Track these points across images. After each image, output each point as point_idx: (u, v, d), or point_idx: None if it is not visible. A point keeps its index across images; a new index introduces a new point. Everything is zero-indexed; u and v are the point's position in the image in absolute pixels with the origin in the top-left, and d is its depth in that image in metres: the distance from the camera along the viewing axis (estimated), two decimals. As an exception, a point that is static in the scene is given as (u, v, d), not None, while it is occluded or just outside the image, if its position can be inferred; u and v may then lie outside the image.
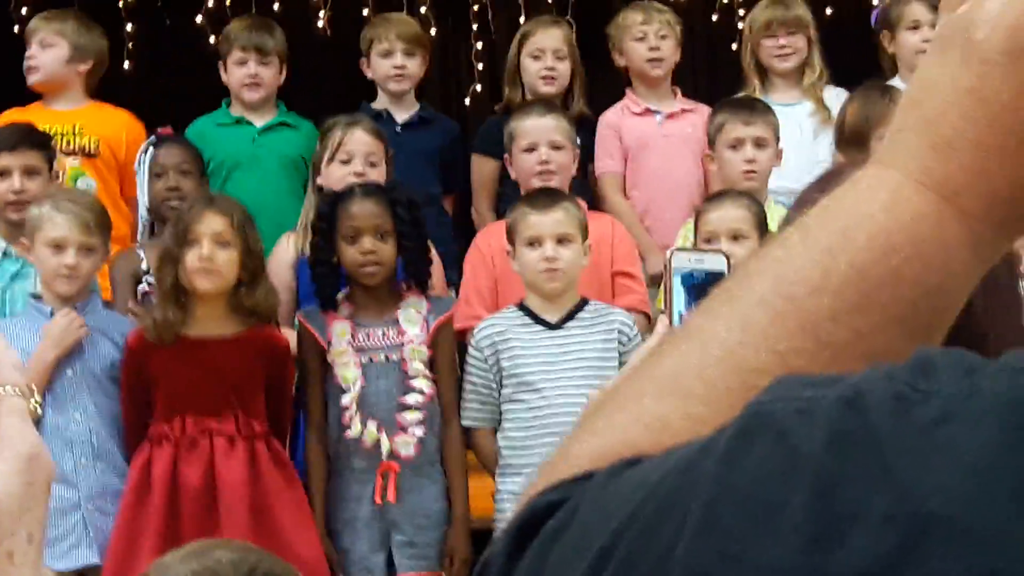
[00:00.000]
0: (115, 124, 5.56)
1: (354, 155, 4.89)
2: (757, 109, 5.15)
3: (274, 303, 4.50)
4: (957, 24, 0.81)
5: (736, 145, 4.97)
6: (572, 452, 0.81)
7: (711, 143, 5.10)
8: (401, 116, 5.58)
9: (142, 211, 5.15)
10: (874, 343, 0.78)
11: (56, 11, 5.71)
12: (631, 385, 0.83)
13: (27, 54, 5.49)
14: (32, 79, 5.51)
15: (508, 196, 5.23)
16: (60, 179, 5.20)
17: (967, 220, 0.79)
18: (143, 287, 4.86)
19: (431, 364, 4.51)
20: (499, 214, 5.26)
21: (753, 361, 0.78)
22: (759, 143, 4.97)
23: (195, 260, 4.32)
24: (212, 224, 4.36)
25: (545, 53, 5.54)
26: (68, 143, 5.41)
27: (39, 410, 0.90)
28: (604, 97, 5.95)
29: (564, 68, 5.55)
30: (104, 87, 5.72)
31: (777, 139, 5.04)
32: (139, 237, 5.19)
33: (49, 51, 5.49)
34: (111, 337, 4.50)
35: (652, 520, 0.69)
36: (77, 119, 5.49)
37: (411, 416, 4.44)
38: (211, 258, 4.32)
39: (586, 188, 5.35)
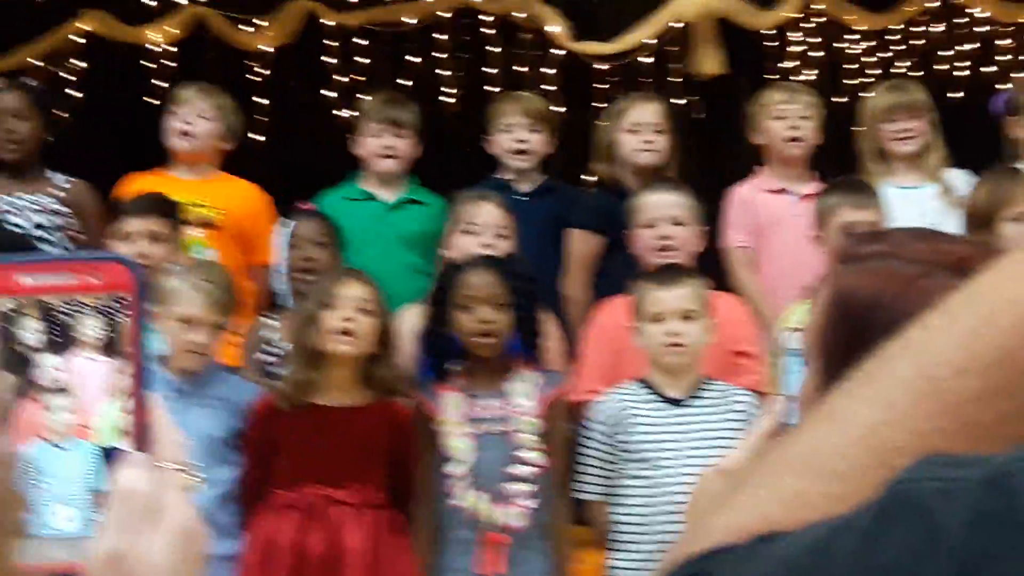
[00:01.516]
0: (241, 195, 5.65)
1: (483, 228, 4.93)
2: (867, 191, 5.09)
3: (401, 377, 4.54)
4: None
5: (847, 229, 4.90)
6: (710, 526, 0.81)
7: (820, 225, 5.01)
8: (525, 187, 5.61)
9: (279, 282, 5.20)
10: (1018, 426, 0.78)
11: (210, 87, 5.82)
12: (770, 462, 0.83)
13: (182, 120, 5.60)
14: (183, 145, 5.61)
15: (612, 271, 5.21)
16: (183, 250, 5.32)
17: None
18: (259, 355, 4.92)
19: (543, 437, 4.50)
20: (600, 290, 5.24)
21: (894, 441, 0.78)
22: (871, 227, 4.91)
23: (336, 322, 4.38)
24: (355, 291, 4.44)
25: (643, 127, 5.54)
26: (193, 214, 5.49)
27: (200, 487, 0.94)
28: (724, 177, 5.94)
29: (662, 141, 5.54)
30: (232, 159, 5.83)
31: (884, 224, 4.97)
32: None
33: (205, 124, 5.63)
34: (234, 405, 4.53)
35: (791, 596, 0.70)
36: (204, 190, 5.58)
37: (519, 488, 4.43)
38: (352, 321, 4.38)
39: (705, 263, 5.32)
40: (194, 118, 5.61)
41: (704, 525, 0.82)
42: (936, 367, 0.79)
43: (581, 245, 5.47)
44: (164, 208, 5.08)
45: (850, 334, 1.55)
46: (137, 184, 5.52)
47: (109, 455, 0.90)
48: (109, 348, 0.90)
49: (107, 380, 0.90)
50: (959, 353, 0.79)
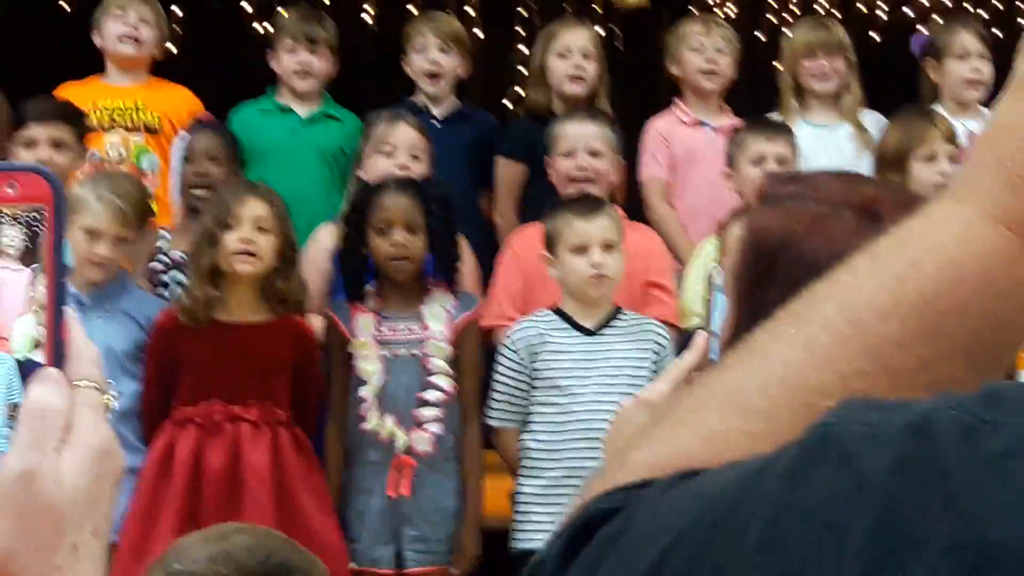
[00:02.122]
0: (176, 100, 5.59)
1: (397, 149, 4.90)
2: (779, 128, 5.14)
3: (304, 294, 4.51)
4: None
5: (758, 161, 4.94)
6: (630, 459, 0.81)
7: (730, 161, 5.04)
8: (439, 111, 5.59)
9: (173, 194, 5.16)
10: (938, 372, 0.78)
11: None
12: (692, 397, 0.84)
13: (127, 24, 5.51)
14: (127, 50, 5.52)
15: (535, 198, 5.21)
16: (125, 155, 5.26)
17: None
18: (155, 265, 4.89)
19: (454, 361, 4.51)
20: (523, 218, 5.25)
21: (816, 381, 0.79)
22: (781, 160, 4.94)
23: (235, 242, 4.34)
24: (254, 208, 4.39)
25: (572, 52, 5.50)
26: (131, 119, 5.45)
27: (113, 405, 0.92)
28: (643, 110, 5.95)
29: (592, 69, 5.52)
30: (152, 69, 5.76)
31: (797, 160, 5.02)
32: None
33: (148, 28, 5.56)
34: (137, 319, 4.51)
35: (709, 534, 0.70)
36: (139, 96, 5.52)
37: (429, 412, 4.44)
38: (252, 241, 4.35)
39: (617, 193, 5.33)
40: (137, 21, 5.54)
41: (624, 459, 0.82)
42: (860, 310, 0.80)
43: (506, 173, 5.46)
44: (67, 114, 5.01)
45: (761, 271, 1.59)
46: (72, 92, 5.44)
47: (25, 368, 0.88)
48: (26, 260, 0.89)
49: (24, 292, 0.88)
50: (883, 297, 0.80)
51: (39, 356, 0.89)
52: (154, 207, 5.27)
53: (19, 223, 0.89)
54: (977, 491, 0.63)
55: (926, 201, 1.47)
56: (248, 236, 4.35)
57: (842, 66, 5.63)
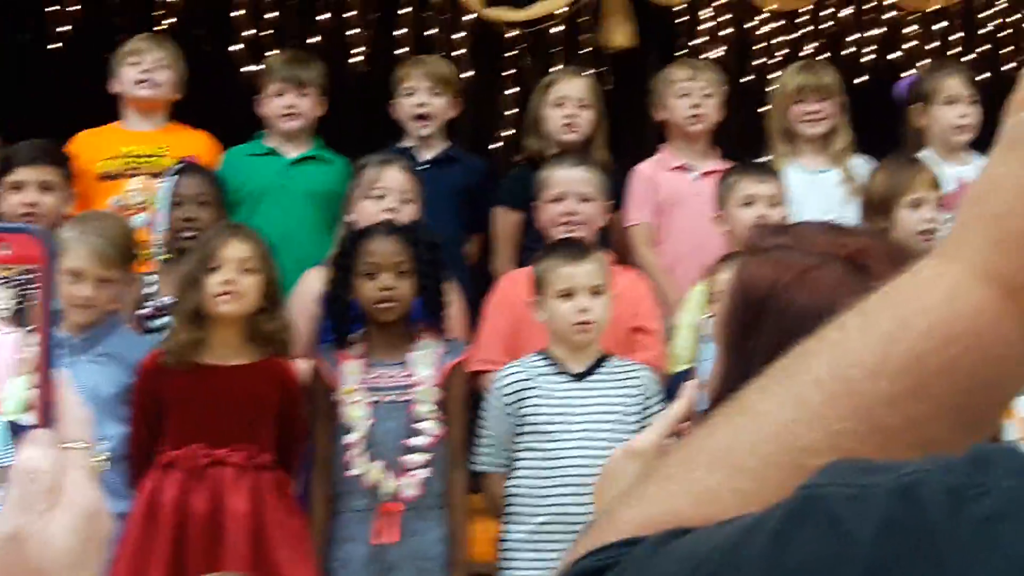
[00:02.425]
0: (196, 145, 5.61)
1: (387, 193, 4.91)
2: (768, 170, 5.16)
3: (289, 336, 4.51)
4: None
5: (748, 203, 4.96)
6: (619, 517, 0.81)
7: (721, 204, 5.06)
8: (428, 154, 5.60)
9: (157, 238, 5.16)
10: (927, 431, 0.79)
11: (159, 36, 5.85)
12: (681, 454, 0.84)
13: (143, 70, 5.55)
14: (146, 92, 5.56)
15: (531, 246, 5.23)
16: (147, 201, 5.27)
17: None
18: (142, 311, 4.88)
19: (441, 406, 4.50)
20: (522, 264, 5.26)
21: (806, 440, 0.79)
22: (772, 202, 4.96)
23: (218, 284, 4.34)
24: (237, 250, 4.39)
25: (568, 101, 5.55)
26: (154, 164, 5.46)
27: (103, 465, 0.92)
28: (632, 151, 5.97)
29: (587, 117, 5.56)
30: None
31: (786, 203, 5.03)
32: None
33: (164, 71, 5.59)
34: (125, 362, 4.50)
35: (698, 594, 0.70)
36: (159, 140, 5.55)
37: (416, 458, 4.43)
38: (235, 281, 4.34)
39: (609, 239, 5.35)
40: (154, 66, 5.56)
41: (614, 515, 0.82)
42: (849, 368, 0.80)
43: (503, 222, 5.49)
44: (55, 157, 5.02)
45: (749, 321, 1.60)
46: (90, 140, 5.49)
47: (16, 430, 0.88)
48: (16, 321, 0.89)
49: (16, 353, 0.88)
50: (872, 356, 0.80)
51: (30, 418, 0.89)
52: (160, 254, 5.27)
53: (10, 285, 0.89)
54: (965, 556, 0.63)
55: (912, 252, 1.48)
56: (231, 277, 4.35)
57: (832, 110, 5.65)
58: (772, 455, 0.79)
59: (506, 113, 6.82)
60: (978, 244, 0.81)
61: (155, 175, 5.41)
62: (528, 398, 4.46)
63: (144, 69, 5.54)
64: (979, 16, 7.39)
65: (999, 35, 7.35)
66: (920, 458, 0.70)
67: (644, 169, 5.63)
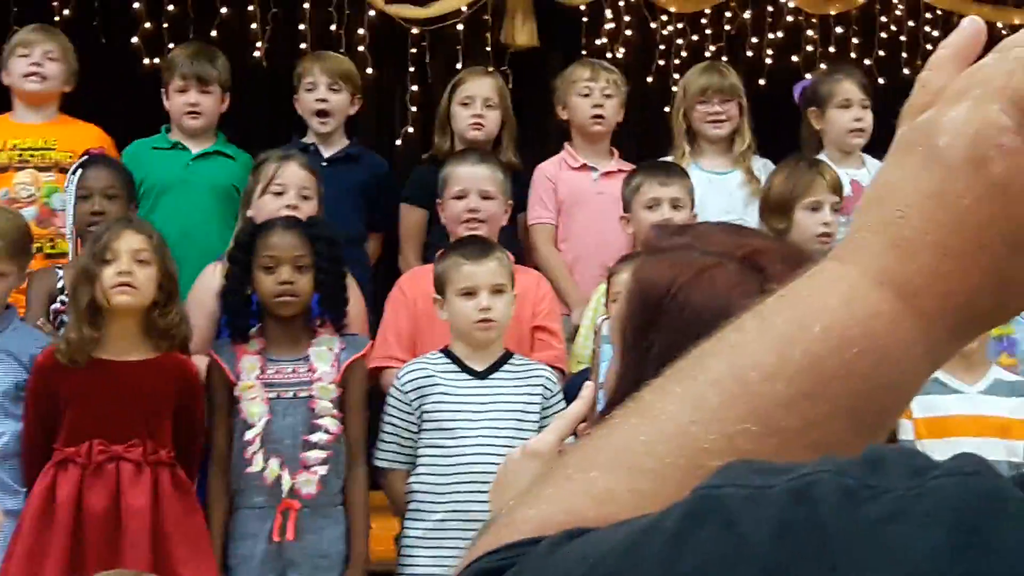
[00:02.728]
0: (86, 137, 5.52)
1: (287, 188, 4.88)
2: (673, 171, 5.17)
3: (186, 329, 4.46)
4: (920, 129, 0.83)
5: (652, 206, 4.98)
6: (517, 517, 0.81)
7: (627, 206, 5.09)
8: (328, 151, 5.59)
9: (67, 231, 5.09)
10: (823, 433, 0.79)
11: (50, 27, 5.74)
12: (580, 455, 0.84)
13: (31, 62, 5.46)
14: (34, 86, 5.48)
15: (435, 243, 5.24)
16: (36, 194, 5.23)
17: (922, 320, 0.81)
18: (56, 306, 4.81)
19: (340, 403, 4.49)
20: (426, 260, 5.26)
21: (703, 441, 0.79)
22: (675, 204, 4.99)
23: (113, 276, 4.29)
24: (131, 242, 4.34)
25: (475, 101, 5.57)
26: (43, 158, 5.38)
27: None
28: (535, 150, 5.98)
29: (493, 116, 5.58)
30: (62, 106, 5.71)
31: (692, 202, 5.06)
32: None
33: (53, 64, 5.50)
34: (19, 358, 4.44)
35: (594, 596, 0.70)
36: (49, 133, 5.47)
37: (315, 455, 4.41)
38: (130, 273, 4.29)
39: (512, 238, 5.37)
40: (43, 59, 5.47)
41: (512, 516, 0.82)
42: (746, 370, 0.80)
43: (408, 219, 5.49)
44: None
45: (646, 321, 1.61)
46: None
47: None
48: None
49: None
50: (770, 357, 0.80)
51: None
52: (64, 246, 5.21)
53: None
54: (858, 556, 0.64)
55: (807, 255, 1.50)
56: (126, 268, 4.30)
57: (735, 111, 5.69)
58: (670, 456, 0.80)
59: (411, 110, 6.82)
60: (874, 248, 0.82)
61: (44, 168, 5.35)
62: (429, 395, 4.46)
63: (33, 62, 5.46)
64: (878, 21, 7.49)
65: (897, 41, 7.45)
66: (816, 459, 0.70)
67: (546, 168, 5.65)
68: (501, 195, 5.05)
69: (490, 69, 5.97)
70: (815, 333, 0.80)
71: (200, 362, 4.56)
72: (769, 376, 0.80)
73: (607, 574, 0.70)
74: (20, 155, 5.41)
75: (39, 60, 5.47)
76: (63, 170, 5.37)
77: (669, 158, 5.64)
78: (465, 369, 4.50)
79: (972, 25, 0.90)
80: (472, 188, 5.01)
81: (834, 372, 0.80)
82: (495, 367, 4.52)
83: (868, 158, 5.55)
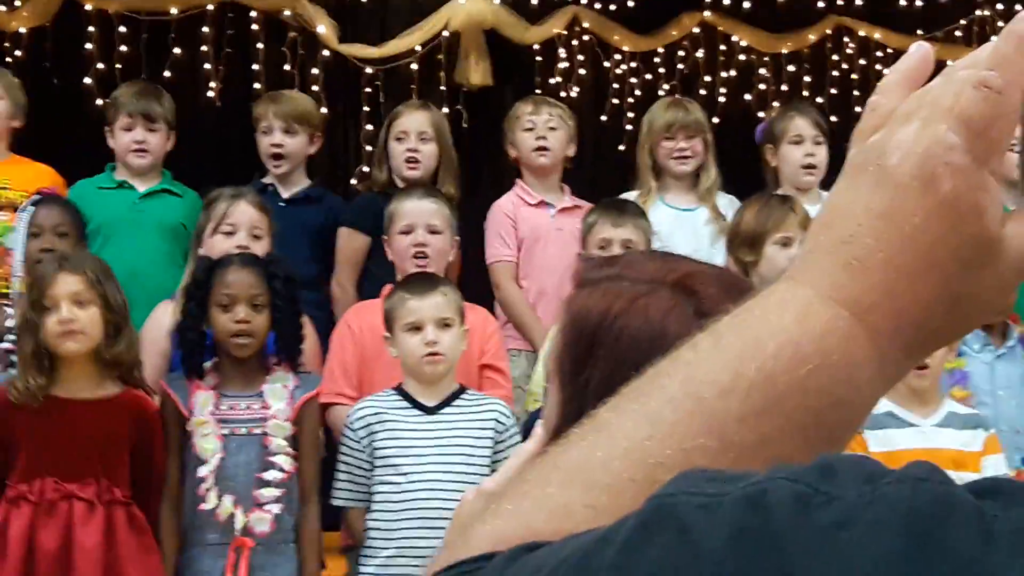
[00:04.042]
0: (39, 178, 5.51)
1: (238, 227, 4.86)
2: (627, 212, 5.15)
3: (136, 354, 4.42)
4: (870, 151, 0.85)
5: (604, 246, 4.98)
6: (474, 533, 0.81)
7: (583, 243, 5.09)
8: (287, 191, 5.58)
9: (16, 269, 5.06)
10: (778, 449, 0.80)
11: None
12: (536, 472, 0.84)
13: None
14: None
15: (375, 274, 5.22)
16: None
17: (875, 338, 0.82)
18: (6, 344, 4.77)
19: (294, 441, 4.47)
20: (367, 293, 5.25)
21: (659, 456, 0.80)
22: (627, 246, 4.97)
23: (55, 325, 4.25)
24: (67, 285, 4.29)
25: (409, 135, 5.57)
26: None
27: None
28: (490, 189, 6.00)
29: (428, 151, 5.57)
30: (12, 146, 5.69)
31: (648, 243, 5.06)
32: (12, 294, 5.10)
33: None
34: None
35: (547, 608, 0.70)
36: (2, 173, 5.45)
37: (269, 492, 4.38)
38: (72, 321, 4.26)
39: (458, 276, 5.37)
40: None
41: (468, 532, 0.82)
42: (702, 386, 0.81)
43: (347, 243, 5.47)
44: None
45: (582, 353, 1.61)
46: None
47: None
48: None
49: None
50: (724, 374, 0.81)
51: None
52: (20, 286, 5.17)
53: None
54: (811, 562, 0.64)
55: (739, 278, 1.51)
56: (67, 316, 4.25)
57: (700, 147, 5.71)
58: (626, 471, 0.80)
59: (365, 149, 6.82)
60: (827, 267, 0.83)
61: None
62: (379, 432, 4.44)
63: None
64: (829, 60, 7.55)
65: (848, 79, 7.52)
66: (769, 468, 0.71)
67: (503, 205, 5.65)
68: (448, 229, 5.03)
69: (425, 104, 5.95)
70: (769, 350, 0.81)
71: (153, 398, 4.52)
72: (723, 392, 0.81)
73: None
74: None
75: None
76: (15, 209, 5.36)
77: (634, 194, 5.65)
78: (416, 405, 4.49)
79: (919, 50, 0.92)
80: (419, 223, 4.99)
81: (788, 388, 0.81)
82: (446, 402, 4.51)
83: (825, 195, 5.56)
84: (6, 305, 4.96)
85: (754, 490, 0.68)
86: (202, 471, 4.36)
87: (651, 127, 5.77)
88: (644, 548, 0.68)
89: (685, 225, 5.55)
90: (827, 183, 5.60)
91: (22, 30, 6.69)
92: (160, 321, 4.75)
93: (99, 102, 6.49)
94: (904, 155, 0.83)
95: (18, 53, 6.63)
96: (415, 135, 5.56)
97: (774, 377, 0.81)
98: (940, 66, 0.88)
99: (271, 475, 4.39)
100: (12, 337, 4.71)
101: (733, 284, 1.68)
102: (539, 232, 5.55)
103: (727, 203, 5.65)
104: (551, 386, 1.68)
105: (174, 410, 4.44)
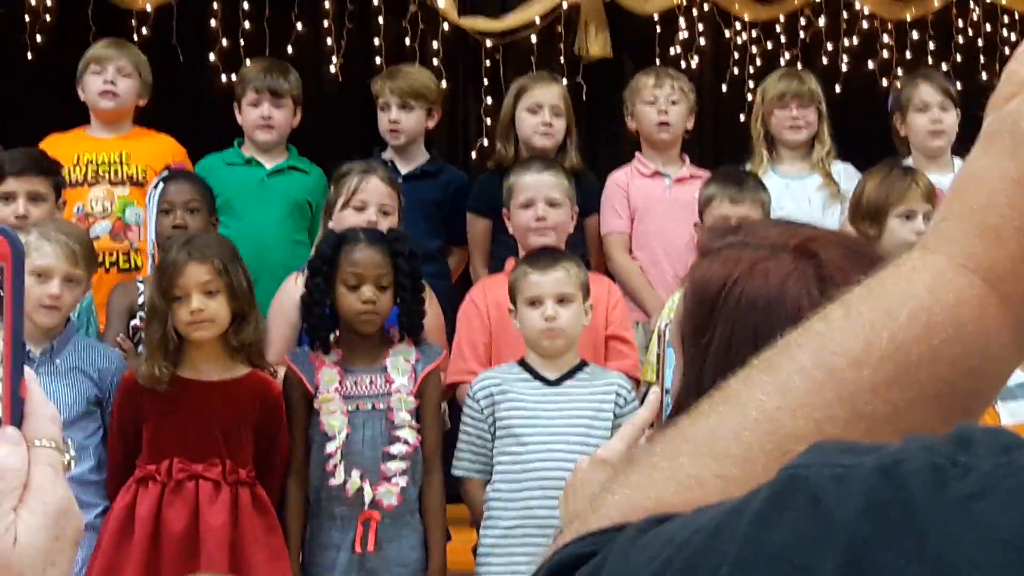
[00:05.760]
0: (160, 150, 5.59)
1: (368, 203, 4.87)
2: (747, 186, 5.05)
3: (261, 336, 4.47)
4: (1005, 118, 0.83)
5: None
6: (604, 504, 0.82)
7: (700, 214, 5.04)
8: (406, 167, 5.61)
9: (149, 246, 5.13)
10: (910, 419, 0.79)
11: (123, 41, 5.80)
12: (666, 443, 0.84)
13: (105, 78, 5.52)
14: (108, 104, 5.53)
15: (502, 252, 5.24)
16: (110, 208, 5.31)
17: (1010, 306, 0.81)
18: (136, 321, 4.85)
19: (417, 413, 4.50)
20: (492, 269, 5.27)
21: (790, 427, 0.80)
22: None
23: (187, 315, 4.29)
24: (197, 275, 4.31)
25: (542, 108, 5.54)
26: (116, 173, 5.45)
27: (73, 464, 0.91)
28: (609, 161, 5.98)
29: (560, 124, 5.56)
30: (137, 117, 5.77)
31: (767, 215, 4.97)
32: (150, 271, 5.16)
33: (126, 80, 5.56)
34: (88, 373, 4.46)
35: (682, 577, 0.70)
36: (123, 147, 5.53)
37: (395, 466, 4.41)
38: (202, 311, 4.30)
39: (580, 243, 5.36)
40: (116, 76, 5.54)
41: (598, 503, 0.82)
42: (832, 356, 0.81)
43: (474, 228, 5.50)
44: (45, 167, 4.99)
45: (704, 318, 1.61)
46: (57, 143, 5.45)
47: None
48: None
49: None
50: (856, 344, 0.80)
51: None
52: (138, 260, 5.26)
53: None
54: (946, 533, 0.64)
55: (861, 241, 1.50)
56: (197, 306, 4.29)
57: (813, 116, 5.66)
58: (757, 442, 0.80)
59: (485, 122, 6.84)
60: (960, 236, 0.82)
61: (117, 183, 5.41)
62: (500, 403, 4.46)
63: (106, 79, 5.52)
64: (955, 26, 7.43)
65: (974, 45, 7.39)
66: (903, 439, 0.70)
67: (618, 177, 5.64)
68: (567, 202, 5.03)
69: (556, 77, 5.94)
70: (901, 320, 0.80)
71: (279, 372, 4.57)
72: (855, 362, 0.80)
73: (692, 555, 0.70)
74: (94, 170, 5.46)
75: (112, 77, 5.52)
76: (136, 184, 5.43)
77: (747, 165, 5.61)
78: (538, 378, 4.50)
79: None
80: (539, 196, 4.98)
81: (920, 358, 0.80)
82: (568, 375, 4.52)
83: (959, 162, 5.49)
84: (138, 280, 5.02)
85: (889, 461, 0.68)
86: (329, 447, 4.40)
87: (764, 97, 5.74)
88: (777, 519, 0.68)
89: (797, 193, 5.50)
90: (960, 151, 5.52)
91: (148, 8, 6.79)
92: (291, 294, 4.77)
93: (223, 79, 6.57)
94: None
95: (144, 31, 6.73)
96: (549, 108, 5.54)
97: (907, 347, 0.80)
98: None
99: (397, 449, 4.42)
100: (142, 314, 4.78)
101: (856, 249, 1.67)
102: (652, 203, 5.53)
103: (843, 171, 5.59)
104: (675, 354, 1.69)
105: (300, 387, 4.48)
